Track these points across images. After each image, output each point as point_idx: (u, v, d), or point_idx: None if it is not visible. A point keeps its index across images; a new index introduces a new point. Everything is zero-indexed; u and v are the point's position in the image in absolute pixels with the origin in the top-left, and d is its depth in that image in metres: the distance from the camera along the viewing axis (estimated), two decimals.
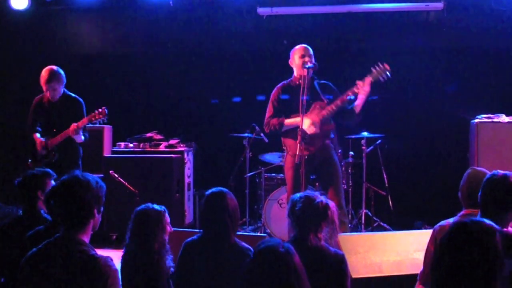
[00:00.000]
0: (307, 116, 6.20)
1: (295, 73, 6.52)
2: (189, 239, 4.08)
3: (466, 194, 3.92)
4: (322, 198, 3.85)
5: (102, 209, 3.22)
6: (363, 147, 8.10)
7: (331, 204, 3.87)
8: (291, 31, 9.08)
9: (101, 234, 7.48)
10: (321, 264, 3.64)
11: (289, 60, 6.52)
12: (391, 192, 8.24)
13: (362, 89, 6.15)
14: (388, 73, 6.11)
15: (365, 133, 8.09)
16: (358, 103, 6.27)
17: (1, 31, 9.23)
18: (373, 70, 6.14)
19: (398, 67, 8.73)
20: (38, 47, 9.45)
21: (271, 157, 8.32)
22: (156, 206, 4.24)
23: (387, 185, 8.24)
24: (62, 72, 6.99)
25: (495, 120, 7.31)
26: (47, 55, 9.44)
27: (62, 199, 3.11)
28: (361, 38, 8.98)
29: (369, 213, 8.16)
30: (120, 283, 3.09)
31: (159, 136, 8.49)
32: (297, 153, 5.76)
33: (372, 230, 7.94)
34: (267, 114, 6.55)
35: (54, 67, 6.96)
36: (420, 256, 4.26)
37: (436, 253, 2.59)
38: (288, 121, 6.38)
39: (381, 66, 6.12)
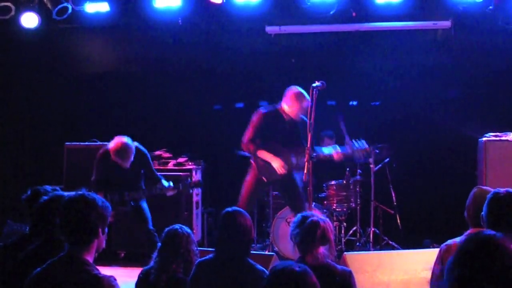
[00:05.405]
0: (284, 154, 6.57)
1: (287, 109, 6.71)
2: (203, 258, 4.08)
3: (472, 213, 3.89)
4: (313, 217, 3.84)
5: (106, 229, 3.22)
6: (371, 165, 8.06)
7: (323, 222, 3.84)
8: (299, 50, 9.13)
9: (109, 252, 7.48)
10: (329, 282, 3.62)
11: (286, 99, 6.72)
12: (400, 211, 8.22)
13: (338, 156, 6.63)
14: (369, 159, 6.91)
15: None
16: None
17: (12, 49, 9.31)
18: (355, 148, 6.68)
19: (406, 85, 8.81)
20: (48, 65, 9.52)
21: None
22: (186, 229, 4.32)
23: (395, 203, 8.22)
24: (132, 143, 6.71)
25: (503, 138, 7.31)
26: (56, 73, 9.54)
27: (67, 217, 3.12)
28: (369, 57, 8.97)
29: (378, 231, 8.12)
30: None
31: (167, 154, 8.51)
32: (305, 171, 5.83)
33: (380, 249, 7.90)
34: (247, 135, 6.75)
35: (125, 141, 6.63)
36: (428, 275, 4.24)
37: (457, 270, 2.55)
38: (262, 154, 6.68)
39: (367, 148, 6.70)
